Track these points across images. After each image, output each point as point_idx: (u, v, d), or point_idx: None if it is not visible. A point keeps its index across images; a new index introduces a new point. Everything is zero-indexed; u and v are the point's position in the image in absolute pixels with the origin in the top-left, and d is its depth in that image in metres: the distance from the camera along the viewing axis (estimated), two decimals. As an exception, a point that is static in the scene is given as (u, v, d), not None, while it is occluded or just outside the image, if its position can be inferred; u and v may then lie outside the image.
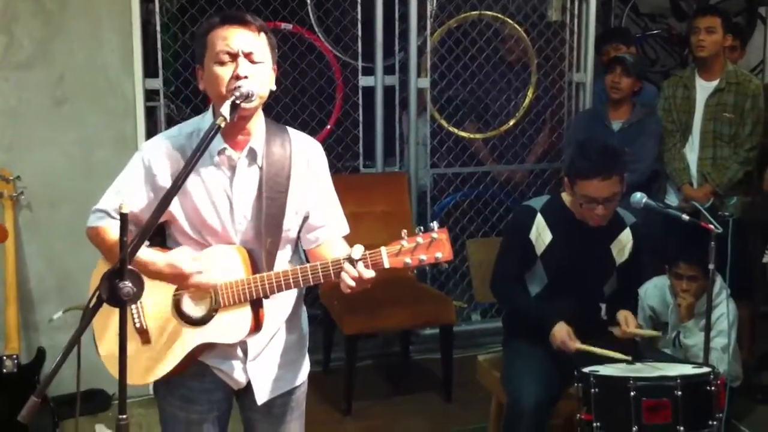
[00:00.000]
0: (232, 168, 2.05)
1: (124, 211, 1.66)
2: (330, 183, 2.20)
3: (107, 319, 2.06)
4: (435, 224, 1.93)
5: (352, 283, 1.92)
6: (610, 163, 2.94)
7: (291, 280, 1.98)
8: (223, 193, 2.05)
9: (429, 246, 1.91)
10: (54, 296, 3.84)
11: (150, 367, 2.06)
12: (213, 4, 4.22)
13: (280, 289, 2.00)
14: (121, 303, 1.67)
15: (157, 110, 4.11)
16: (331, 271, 1.96)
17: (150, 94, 4.03)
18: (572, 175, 2.99)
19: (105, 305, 1.69)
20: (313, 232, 2.16)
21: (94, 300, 1.70)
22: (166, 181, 2.03)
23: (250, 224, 2.06)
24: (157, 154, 2.05)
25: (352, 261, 1.92)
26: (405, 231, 1.93)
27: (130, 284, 1.67)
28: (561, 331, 2.95)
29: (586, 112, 4.63)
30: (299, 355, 2.27)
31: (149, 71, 4.02)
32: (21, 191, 3.69)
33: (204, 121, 2.08)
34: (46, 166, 3.78)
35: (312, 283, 2.00)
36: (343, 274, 1.92)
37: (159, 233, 2.14)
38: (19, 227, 3.73)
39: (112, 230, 2.08)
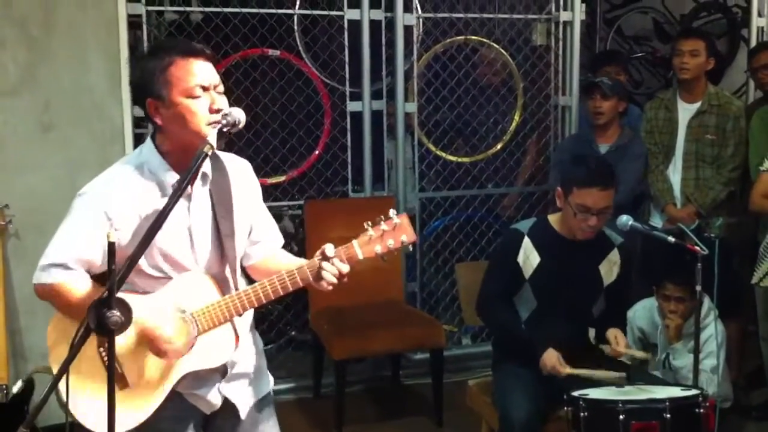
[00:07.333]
0: (188, 196, 2.04)
1: (112, 239, 1.67)
2: (261, 197, 2.24)
3: (77, 379, 1.94)
4: (393, 211, 2.01)
5: (334, 280, 2.01)
6: (607, 175, 3.03)
7: (270, 291, 2.01)
8: (182, 223, 2.04)
9: (393, 231, 2.00)
10: (42, 324, 3.76)
11: (136, 410, 2.02)
12: (200, 31, 4.24)
13: (259, 302, 2.03)
14: (109, 332, 1.68)
15: (145, 137, 4.10)
16: (309, 274, 2.01)
17: (138, 121, 4.03)
18: (569, 183, 3.01)
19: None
20: (255, 246, 2.20)
21: (81, 330, 1.69)
22: (122, 224, 1.97)
23: (209, 248, 2.08)
24: (109, 198, 1.99)
25: (327, 258, 1.99)
26: (368, 222, 2.01)
27: (118, 313, 1.67)
28: (551, 358, 2.95)
29: (573, 136, 4.65)
30: (262, 364, 2.28)
31: (137, 98, 4.02)
32: (9, 219, 3.68)
33: (143, 155, 2.04)
34: (33, 192, 3.76)
35: (291, 290, 2.04)
36: (325, 273, 1.99)
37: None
38: (6, 254, 3.71)
39: (75, 283, 2.03)
